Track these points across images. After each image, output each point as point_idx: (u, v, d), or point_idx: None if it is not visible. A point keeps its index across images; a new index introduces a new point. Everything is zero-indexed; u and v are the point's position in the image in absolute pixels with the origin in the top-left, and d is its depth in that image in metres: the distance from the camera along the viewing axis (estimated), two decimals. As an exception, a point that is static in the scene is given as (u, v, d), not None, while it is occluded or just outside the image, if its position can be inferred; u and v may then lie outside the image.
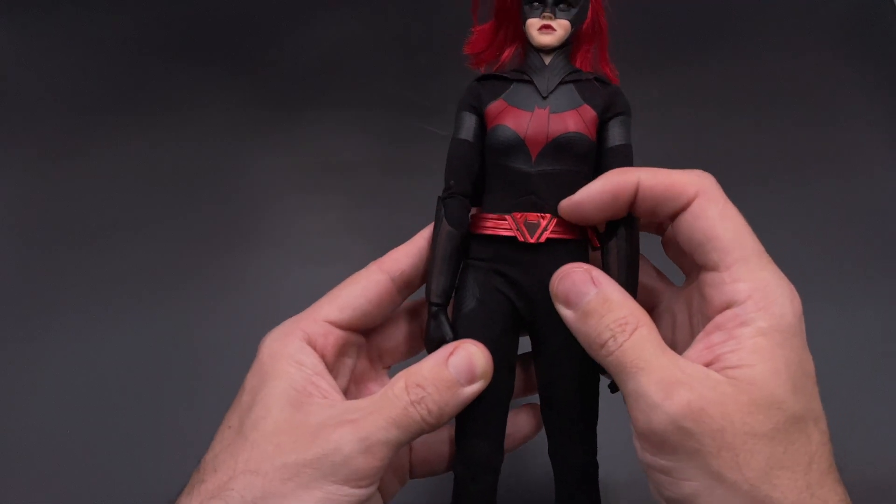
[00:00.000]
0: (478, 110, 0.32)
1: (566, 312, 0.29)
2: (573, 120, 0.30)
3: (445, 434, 0.35)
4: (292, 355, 0.30)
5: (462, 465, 0.33)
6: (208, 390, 0.43)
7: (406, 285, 0.33)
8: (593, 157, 0.32)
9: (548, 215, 0.31)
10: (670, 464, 0.25)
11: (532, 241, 0.31)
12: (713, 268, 0.28)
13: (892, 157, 0.59)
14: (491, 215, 0.32)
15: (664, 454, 0.25)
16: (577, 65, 0.33)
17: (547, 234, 0.31)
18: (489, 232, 0.31)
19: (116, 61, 0.69)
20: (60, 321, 0.53)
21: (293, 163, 0.61)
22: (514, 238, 0.31)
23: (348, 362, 0.33)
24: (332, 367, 0.32)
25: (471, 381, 0.29)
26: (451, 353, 0.29)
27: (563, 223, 0.31)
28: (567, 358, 0.32)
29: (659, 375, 0.26)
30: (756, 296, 0.26)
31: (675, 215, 0.29)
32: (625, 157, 0.31)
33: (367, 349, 0.35)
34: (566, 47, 0.32)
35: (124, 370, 0.50)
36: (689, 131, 0.61)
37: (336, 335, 0.32)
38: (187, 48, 0.69)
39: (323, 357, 0.31)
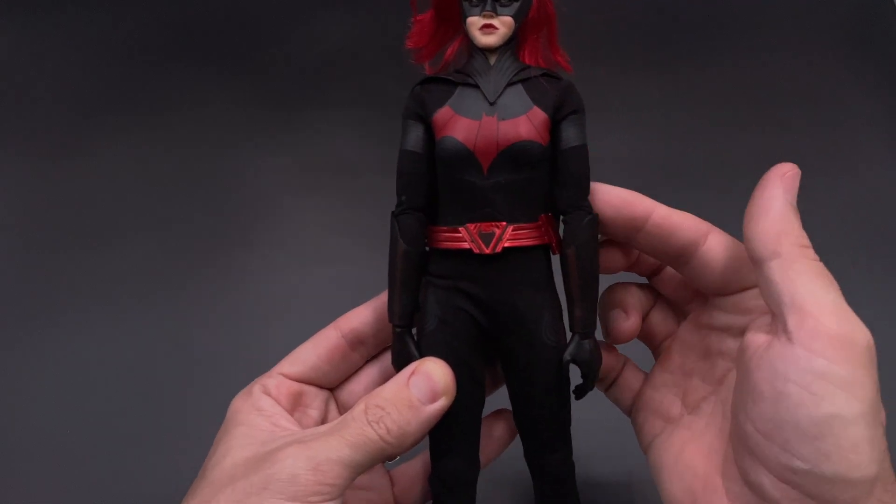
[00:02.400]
0: (424, 119, 0.30)
1: (780, 193, 0.28)
2: (524, 127, 0.29)
3: (420, 463, 0.36)
4: (253, 404, 0.31)
5: (438, 481, 0.33)
6: (208, 390, 0.43)
7: (359, 343, 0.34)
8: (547, 161, 0.30)
9: (503, 223, 0.30)
10: (852, 376, 0.24)
11: (488, 251, 0.30)
12: (753, 285, 0.29)
13: (892, 157, 0.59)
14: (445, 228, 0.31)
15: (851, 364, 0.24)
16: (526, 58, 0.31)
17: (503, 244, 0.30)
18: (444, 246, 0.31)
19: (116, 61, 0.69)
20: (60, 321, 0.53)
21: (293, 163, 0.61)
22: (470, 251, 0.30)
23: (312, 413, 0.34)
24: (293, 414, 0.33)
25: (433, 399, 0.29)
26: (412, 373, 0.30)
27: (521, 230, 0.30)
28: (536, 370, 0.31)
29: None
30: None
31: (682, 252, 0.31)
32: (581, 160, 0.30)
33: (337, 404, 0.36)
34: (511, 44, 0.30)
35: (124, 370, 0.50)
36: (689, 131, 0.61)
37: (288, 385, 0.33)
38: (187, 48, 0.69)
39: (278, 403, 0.32)
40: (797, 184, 0.28)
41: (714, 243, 0.30)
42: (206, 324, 0.52)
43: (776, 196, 0.27)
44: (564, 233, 0.30)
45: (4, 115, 0.65)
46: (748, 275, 0.29)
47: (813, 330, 0.24)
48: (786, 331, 0.25)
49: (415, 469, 0.36)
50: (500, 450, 0.36)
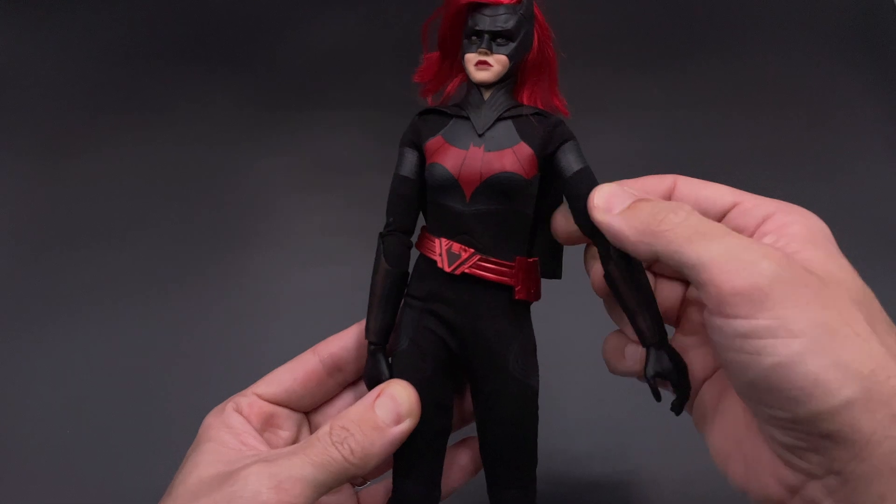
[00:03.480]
0: (418, 146, 0.32)
1: (609, 218, 0.28)
2: (508, 159, 0.30)
3: (389, 484, 0.36)
4: (223, 421, 0.32)
5: (396, 503, 0.33)
6: (208, 390, 0.43)
7: (336, 368, 0.34)
8: (530, 195, 0.31)
9: (471, 250, 0.30)
10: (775, 322, 0.23)
11: (448, 270, 0.30)
12: (731, 206, 0.29)
13: (892, 157, 0.59)
14: (428, 235, 0.32)
15: (767, 310, 0.23)
16: (525, 99, 0.32)
17: (464, 269, 0.30)
18: (423, 250, 0.32)
19: (116, 61, 0.69)
20: (59, 321, 0.53)
21: (293, 163, 0.61)
22: (442, 271, 0.31)
23: (282, 434, 0.34)
24: (262, 434, 0.33)
25: (397, 421, 0.30)
26: (378, 395, 0.30)
27: (487, 263, 0.31)
28: (500, 400, 0.31)
29: (745, 239, 0.25)
30: (786, 207, 0.28)
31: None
32: (589, 180, 0.30)
33: (311, 428, 0.36)
34: (506, 82, 0.31)
35: (124, 370, 0.50)
36: (688, 131, 0.61)
37: (260, 405, 0.33)
38: (187, 48, 0.69)
39: (248, 422, 0.32)
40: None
41: (681, 184, 0.31)
42: (206, 324, 0.52)
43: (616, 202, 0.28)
44: (599, 252, 0.31)
45: (4, 115, 0.65)
46: (721, 199, 0.29)
47: (716, 296, 0.24)
48: (704, 298, 0.25)
49: (383, 491, 0.36)
50: (464, 479, 0.35)
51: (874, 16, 0.69)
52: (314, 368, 0.34)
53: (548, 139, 0.31)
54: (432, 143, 0.31)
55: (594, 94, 0.62)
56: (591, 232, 0.30)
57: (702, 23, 0.69)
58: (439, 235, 0.31)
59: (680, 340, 0.34)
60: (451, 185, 0.30)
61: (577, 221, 0.31)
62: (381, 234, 0.33)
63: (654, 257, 0.27)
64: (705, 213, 0.29)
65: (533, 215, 0.32)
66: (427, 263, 0.32)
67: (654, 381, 0.30)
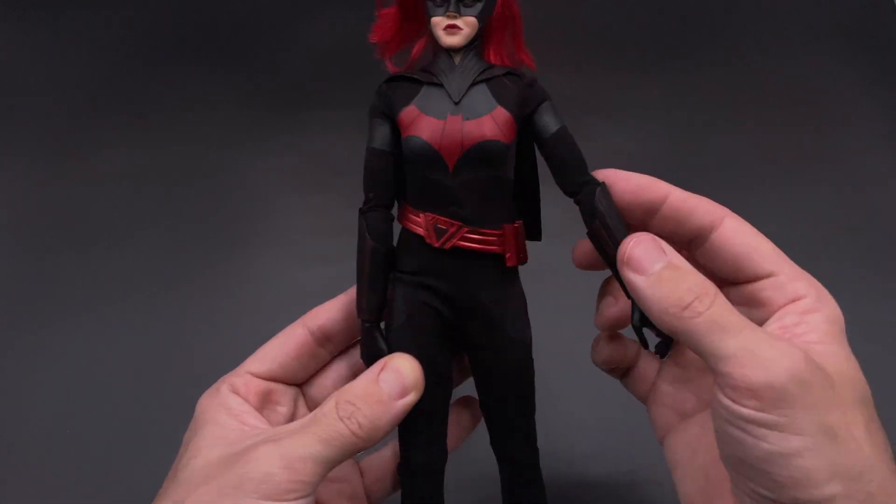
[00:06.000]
0: (390, 117, 0.31)
1: (636, 278, 0.28)
2: (488, 126, 0.29)
3: (390, 452, 0.36)
4: (221, 403, 0.31)
5: (406, 470, 0.34)
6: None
7: (326, 339, 0.34)
8: (510, 158, 0.31)
9: (457, 223, 0.30)
10: (782, 419, 0.24)
11: (437, 245, 0.30)
12: (766, 275, 0.29)
13: (892, 157, 0.59)
14: (411, 209, 0.31)
15: (777, 408, 0.24)
16: (491, 58, 0.31)
17: (452, 243, 0.30)
18: (407, 225, 0.31)
19: (116, 62, 0.69)
20: (59, 321, 0.53)
21: (292, 163, 0.61)
22: (431, 246, 0.31)
23: (281, 410, 0.34)
24: (261, 412, 0.33)
25: (403, 394, 0.30)
26: (382, 369, 0.30)
27: (475, 234, 0.30)
28: (500, 362, 0.32)
29: (764, 334, 0.26)
30: (815, 292, 0.28)
31: (698, 235, 0.31)
32: (567, 139, 0.31)
33: (306, 400, 0.36)
34: (475, 43, 0.30)
35: (124, 370, 0.50)
36: (688, 131, 0.61)
37: (256, 383, 0.33)
38: (187, 49, 0.69)
39: (247, 402, 0.32)
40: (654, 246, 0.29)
41: (728, 226, 0.30)
42: (206, 323, 0.52)
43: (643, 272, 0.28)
44: (582, 211, 0.31)
45: (4, 115, 0.65)
46: (761, 262, 0.29)
47: (731, 386, 0.25)
48: (716, 380, 0.26)
49: (384, 459, 0.36)
50: (465, 436, 0.37)
51: (874, 16, 0.69)
52: (305, 341, 0.34)
53: (524, 100, 0.30)
54: (406, 113, 0.30)
55: (594, 94, 0.62)
56: (572, 193, 0.31)
57: (702, 23, 0.69)
58: (424, 209, 0.31)
59: (671, 371, 0.35)
60: (433, 157, 0.30)
61: (557, 181, 0.31)
62: (361, 210, 0.32)
63: (673, 333, 0.28)
64: (691, 230, 0.30)
65: (513, 179, 0.32)
66: (413, 238, 0.31)
67: (641, 328, 0.31)
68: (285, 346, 0.34)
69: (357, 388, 0.29)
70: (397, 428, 0.32)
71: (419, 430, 0.33)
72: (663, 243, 0.29)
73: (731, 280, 0.31)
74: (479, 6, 0.30)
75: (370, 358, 0.32)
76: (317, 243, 0.56)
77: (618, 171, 0.31)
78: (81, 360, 0.51)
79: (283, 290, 0.54)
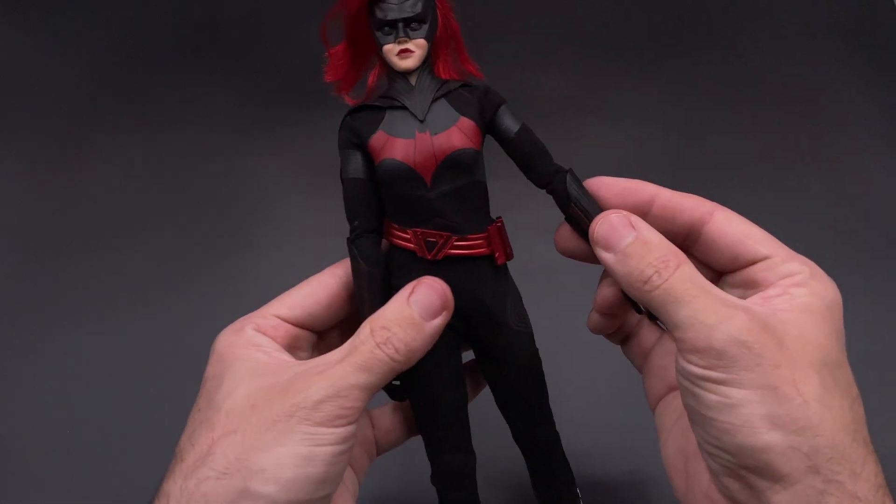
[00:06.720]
0: (360, 146, 0.32)
1: (606, 256, 0.30)
2: (456, 136, 0.31)
3: (394, 405, 0.37)
4: (249, 340, 0.32)
5: (440, 478, 0.35)
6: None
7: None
8: (481, 164, 0.32)
9: (446, 234, 0.31)
10: (726, 375, 0.26)
11: (429, 258, 0.31)
12: (762, 258, 0.30)
13: (890, 157, 0.60)
14: (396, 227, 0.32)
15: (721, 367, 0.26)
16: (441, 73, 0.32)
17: (444, 253, 0.31)
18: (395, 241, 0.32)
19: (115, 62, 0.69)
20: (59, 321, 0.53)
21: (293, 163, 0.61)
22: (423, 259, 0.32)
23: (303, 356, 0.34)
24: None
25: (434, 315, 0.30)
26: (412, 293, 0.30)
27: (463, 241, 0.32)
28: (509, 356, 0.34)
29: (713, 301, 0.27)
30: (808, 270, 0.29)
31: (691, 231, 0.31)
32: (529, 136, 0.32)
33: (321, 349, 0.36)
34: (427, 62, 0.32)
35: (124, 370, 0.50)
36: (686, 130, 0.61)
37: (285, 328, 0.34)
38: (187, 48, 0.69)
39: (275, 342, 0.33)
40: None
41: (719, 218, 0.31)
42: (207, 323, 0.52)
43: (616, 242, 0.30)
44: (556, 199, 0.32)
45: (4, 115, 0.65)
46: (755, 246, 0.30)
47: (682, 348, 0.28)
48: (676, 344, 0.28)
49: (392, 411, 0.37)
50: (474, 396, 0.37)
51: (871, 15, 0.69)
52: (336, 293, 0.34)
53: (482, 107, 0.32)
54: (376, 139, 0.31)
55: (592, 92, 0.62)
56: (544, 184, 0.32)
57: (699, 22, 0.69)
58: (410, 225, 0.32)
59: (667, 344, 0.35)
60: (409, 174, 0.31)
61: (528, 177, 0.33)
62: (349, 239, 0.33)
63: (642, 305, 0.30)
64: (684, 227, 0.31)
65: (485, 181, 0.33)
66: (404, 253, 0.32)
67: (629, 297, 0.32)
68: (315, 296, 0.34)
69: (389, 313, 0.30)
70: (421, 436, 0.34)
71: (444, 434, 0.34)
72: (634, 218, 0.30)
73: (731, 268, 0.31)
74: (425, 27, 0.31)
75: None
76: (317, 243, 0.56)
77: (601, 177, 0.32)
78: (81, 359, 0.51)
79: (282, 289, 0.54)
